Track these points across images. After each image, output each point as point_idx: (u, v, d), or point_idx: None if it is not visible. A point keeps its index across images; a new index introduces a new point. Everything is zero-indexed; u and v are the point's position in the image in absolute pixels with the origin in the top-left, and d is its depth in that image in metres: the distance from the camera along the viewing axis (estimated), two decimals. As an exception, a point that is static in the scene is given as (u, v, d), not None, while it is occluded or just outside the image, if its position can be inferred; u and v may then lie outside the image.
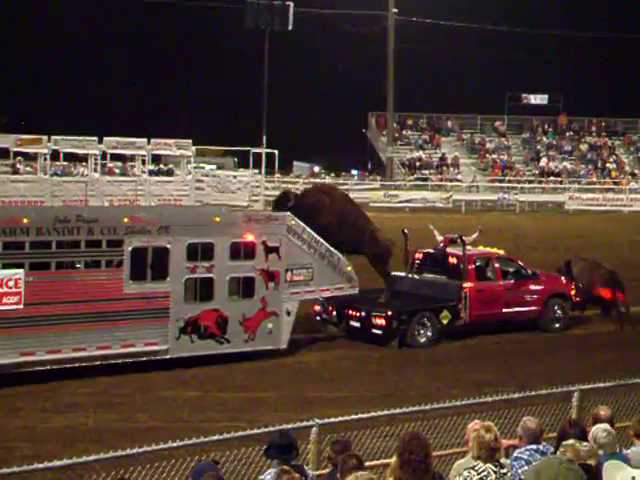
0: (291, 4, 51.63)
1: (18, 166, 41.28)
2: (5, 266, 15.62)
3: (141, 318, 16.96)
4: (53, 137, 39.99)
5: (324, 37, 60.99)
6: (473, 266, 21.04)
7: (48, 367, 16.00)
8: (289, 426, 8.63)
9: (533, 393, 10.92)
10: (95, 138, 42.11)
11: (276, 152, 49.43)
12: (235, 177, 47.71)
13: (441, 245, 21.71)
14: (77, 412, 14.57)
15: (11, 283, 15.58)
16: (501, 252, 22.12)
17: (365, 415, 9.49)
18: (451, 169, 57.86)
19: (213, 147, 52.31)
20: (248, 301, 18.13)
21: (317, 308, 20.77)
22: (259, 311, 18.26)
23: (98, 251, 16.62)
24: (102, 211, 17.63)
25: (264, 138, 50.20)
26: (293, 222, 18.79)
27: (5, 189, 37.17)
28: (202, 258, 17.59)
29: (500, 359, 19.26)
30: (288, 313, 18.63)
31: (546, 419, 10.27)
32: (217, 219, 18.09)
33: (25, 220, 15.89)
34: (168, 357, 17.28)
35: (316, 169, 65.74)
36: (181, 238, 17.31)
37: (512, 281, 21.45)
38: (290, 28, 51.98)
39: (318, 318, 20.92)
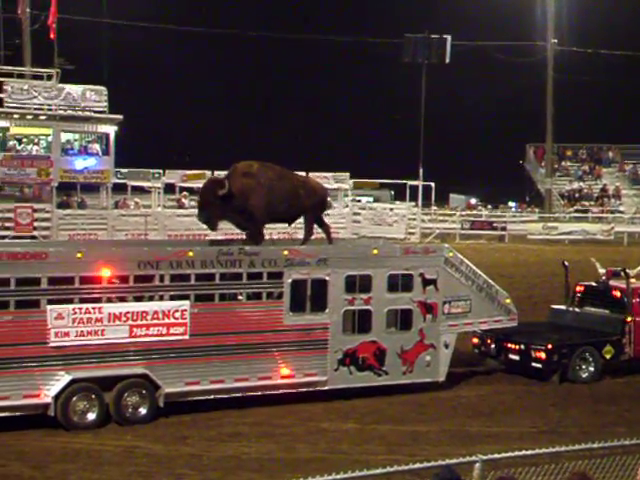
0: (448, 37, 51.61)
1: (183, 200, 42.67)
2: (172, 298, 16.16)
3: (300, 349, 17.18)
4: (216, 172, 41.12)
5: (481, 69, 60.65)
6: (638, 300, 20.41)
7: (212, 397, 16.42)
8: (451, 461, 8.56)
9: None
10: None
11: (433, 185, 49.37)
12: (392, 210, 47.89)
13: (603, 278, 21.18)
14: (240, 441, 14.86)
15: (177, 314, 16.10)
16: (667, 285, 21.37)
17: (529, 452, 9.33)
18: (612, 200, 56.32)
19: (370, 180, 52.70)
20: (406, 333, 18.11)
21: (475, 341, 20.58)
22: (417, 343, 18.21)
23: (259, 283, 16.96)
24: (263, 244, 17.97)
25: (421, 171, 50.20)
26: (451, 254, 18.71)
27: (171, 223, 38.47)
28: (360, 290, 17.71)
29: (668, 397, 18.57)
30: (446, 346, 18.51)
31: None
32: (375, 251, 18.19)
33: (190, 253, 16.41)
34: (326, 388, 17.44)
35: (473, 201, 65.19)
36: (339, 270, 17.49)
37: (680, 315, 20.68)
38: (447, 61, 51.94)
39: (476, 351, 20.72)
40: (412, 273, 18.13)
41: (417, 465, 8.88)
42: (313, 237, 18.95)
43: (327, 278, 17.38)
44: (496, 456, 9.13)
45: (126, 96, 45.46)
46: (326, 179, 44.72)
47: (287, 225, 19.06)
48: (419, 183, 49.20)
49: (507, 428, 16.00)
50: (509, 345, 19.91)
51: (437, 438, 15.35)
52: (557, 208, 55.44)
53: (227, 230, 20.00)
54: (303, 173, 43.41)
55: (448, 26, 53.52)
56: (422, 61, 51.69)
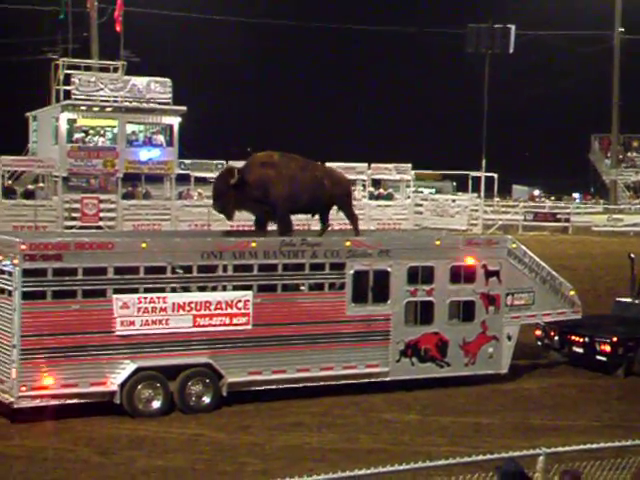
0: (512, 27, 51.07)
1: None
2: (235, 288, 16.29)
3: (362, 340, 17.22)
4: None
5: (546, 58, 60.00)
6: None
7: (274, 386, 16.53)
8: (515, 454, 8.53)
9: None
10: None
11: (495, 176, 48.98)
12: (454, 201, 47.68)
13: (670, 271, 20.84)
14: (302, 431, 14.95)
15: (240, 304, 16.23)
16: None
17: (594, 445, 9.24)
18: (679, 191, 55.40)
19: (432, 171, 52.48)
20: (468, 325, 18.07)
21: (538, 333, 20.43)
22: (479, 335, 18.15)
23: (321, 274, 17.02)
24: (325, 235, 18.03)
25: (483, 162, 49.83)
26: (514, 245, 18.60)
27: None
28: (422, 281, 17.69)
29: None
30: (509, 337, 18.42)
31: None
32: (437, 242, 18.15)
33: (253, 244, 16.52)
34: (388, 379, 17.45)
35: (536, 192, 64.61)
36: (401, 261, 17.48)
37: None
38: (511, 51, 51.43)
39: (539, 343, 20.57)
40: (475, 264, 18.05)
41: (480, 457, 8.85)
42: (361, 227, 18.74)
43: (389, 269, 17.39)
44: (560, 449, 9.07)
45: (190, 88, 45.85)
46: (388, 170, 44.70)
47: (311, 216, 18.74)
48: (482, 174, 48.85)
49: (571, 421, 15.88)
50: (573, 338, 19.73)
51: (499, 430, 15.29)
52: (622, 199, 54.69)
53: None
54: (365, 164, 43.80)
55: (512, 15, 53.01)
56: (485, 51, 51.25)
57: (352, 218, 18.50)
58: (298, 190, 17.55)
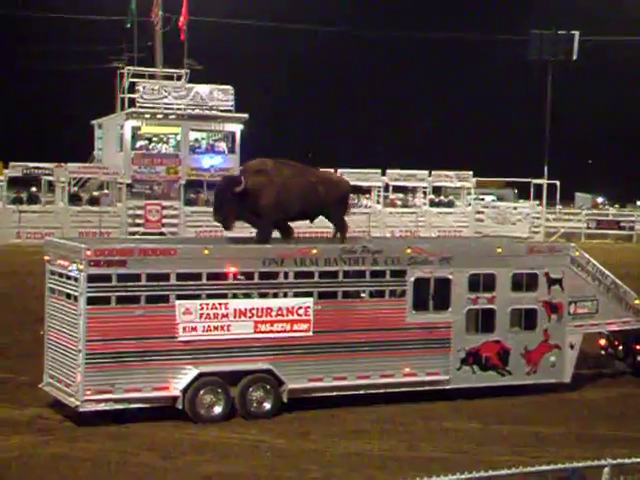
0: (576, 33, 50.56)
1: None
2: (296, 295, 16.36)
3: (423, 348, 17.17)
4: (339, 170, 41.43)
5: (610, 65, 59.31)
6: None
7: (334, 393, 16.55)
8: (579, 464, 8.44)
9: None
10: (378, 171, 43.29)
11: (557, 183, 48.54)
12: (515, 208, 47.35)
13: None
14: (362, 438, 14.92)
15: (301, 311, 16.29)
16: None
17: (661, 458, 9.13)
18: None
19: (493, 179, 52.19)
20: (530, 333, 17.92)
21: (602, 342, 20.18)
22: (541, 343, 18.00)
23: (382, 281, 17.01)
24: (386, 242, 17.99)
25: (545, 169, 49.40)
26: (577, 253, 18.42)
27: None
28: (483, 289, 17.59)
29: None
30: (571, 346, 18.24)
31: None
32: (499, 250, 18.05)
33: (314, 251, 16.58)
34: (449, 387, 17.38)
35: (599, 200, 63.86)
36: (463, 269, 17.40)
37: None
38: (575, 58, 50.90)
39: (603, 353, 20.31)
40: (537, 272, 17.92)
41: (543, 467, 8.75)
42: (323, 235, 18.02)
43: (450, 277, 17.32)
44: (626, 461, 8.94)
45: (252, 95, 46.18)
46: (449, 178, 44.57)
47: (309, 222, 18.21)
48: (544, 181, 48.44)
49: (636, 432, 15.65)
50: (638, 347, 19.47)
51: (562, 440, 15.12)
52: (689, 207, 53.80)
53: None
54: (426, 171, 43.71)
55: (576, 21, 52.52)
56: (548, 58, 50.80)
57: (342, 226, 18.01)
58: (290, 197, 17.22)
